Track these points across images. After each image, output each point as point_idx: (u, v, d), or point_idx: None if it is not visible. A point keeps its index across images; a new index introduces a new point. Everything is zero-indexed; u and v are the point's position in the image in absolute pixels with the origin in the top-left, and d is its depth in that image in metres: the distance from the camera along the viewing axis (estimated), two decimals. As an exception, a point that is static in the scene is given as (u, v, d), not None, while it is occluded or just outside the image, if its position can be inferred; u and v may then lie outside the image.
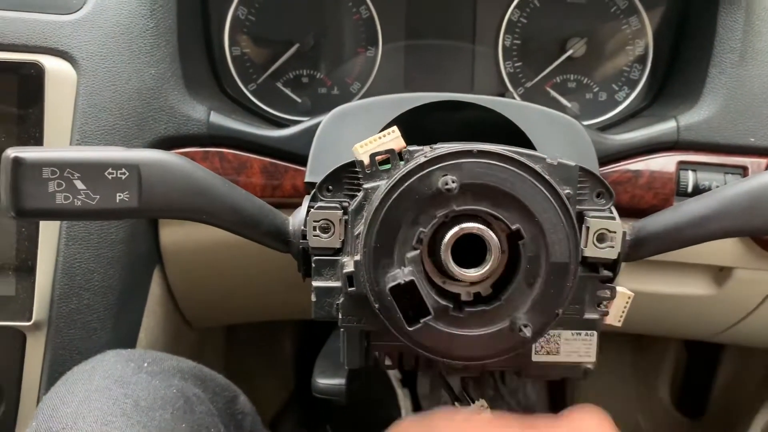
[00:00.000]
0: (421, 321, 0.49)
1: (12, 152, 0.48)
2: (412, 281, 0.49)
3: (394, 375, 1.35)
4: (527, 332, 0.50)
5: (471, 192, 0.50)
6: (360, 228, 0.53)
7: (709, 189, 0.77)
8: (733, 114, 0.79)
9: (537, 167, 0.51)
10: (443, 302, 0.51)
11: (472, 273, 0.50)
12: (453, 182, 0.49)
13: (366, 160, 0.54)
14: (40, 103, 0.74)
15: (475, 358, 0.53)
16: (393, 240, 0.51)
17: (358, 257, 0.52)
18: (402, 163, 0.53)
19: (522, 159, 0.51)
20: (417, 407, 1.39)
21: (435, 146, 0.53)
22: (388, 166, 0.54)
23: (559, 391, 1.49)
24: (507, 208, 0.51)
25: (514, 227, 0.50)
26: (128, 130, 0.75)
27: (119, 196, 0.50)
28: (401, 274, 0.50)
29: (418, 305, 0.49)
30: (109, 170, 0.50)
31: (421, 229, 0.51)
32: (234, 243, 0.64)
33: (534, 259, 0.51)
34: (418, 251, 0.51)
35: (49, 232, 0.75)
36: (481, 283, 0.53)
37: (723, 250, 0.84)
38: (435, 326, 0.51)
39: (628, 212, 0.78)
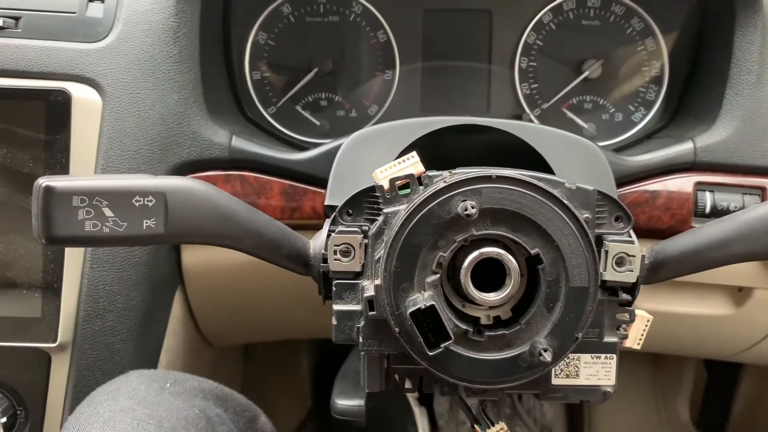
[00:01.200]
0: (442, 345, 0.50)
1: (43, 181, 0.50)
2: (432, 306, 0.50)
3: (411, 394, 1.35)
4: (547, 356, 0.50)
5: (490, 216, 0.51)
6: (380, 252, 0.53)
7: (728, 210, 0.77)
8: (750, 135, 0.79)
9: (555, 192, 0.51)
10: (463, 326, 0.52)
11: (492, 297, 0.51)
12: (472, 208, 0.50)
13: (386, 185, 0.55)
14: (67, 129, 0.75)
15: (495, 382, 0.53)
16: (413, 264, 0.51)
17: (378, 281, 0.52)
18: (421, 188, 0.54)
19: (541, 184, 0.51)
20: (434, 426, 1.39)
21: (454, 171, 0.54)
22: (407, 191, 0.55)
23: (577, 409, 1.48)
24: (526, 233, 0.51)
25: (533, 252, 0.51)
26: (152, 155, 0.77)
27: (146, 222, 0.51)
28: (421, 299, 0.50)
29: (438, 330, 0.50)
30: (137, 198, 0.51)
31: (440, 253, 0.51)
32: (254, 265, 0.65)
33: (553, 284, 0.52)
34: (437, 275, 0.51)
35: (74, 255, 0.76)
36: (500, 307, 0.53)
37: (742, 271, 0.83)
38: (455, 350, 0.52)
39: (645, 233, 0.78)
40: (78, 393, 0.77)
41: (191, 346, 0.94)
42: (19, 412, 0.78)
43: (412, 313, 0.50)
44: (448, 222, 0.51)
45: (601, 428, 1.45)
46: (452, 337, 0.50)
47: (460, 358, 0.52)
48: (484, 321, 0.54)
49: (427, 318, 0.50)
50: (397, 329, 0.51)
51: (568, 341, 0.52)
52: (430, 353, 0.50)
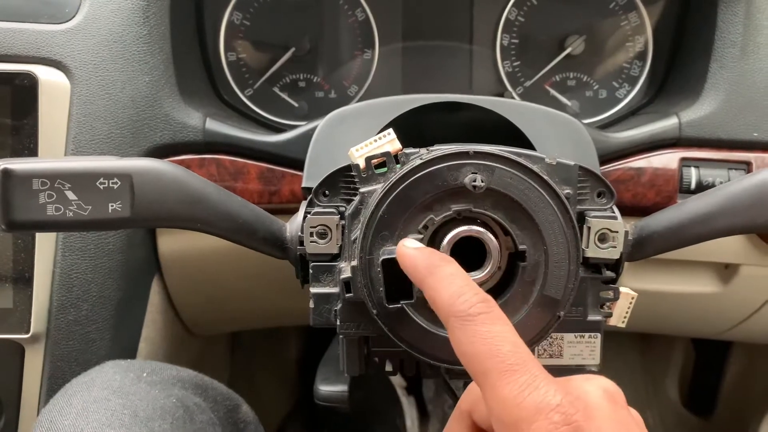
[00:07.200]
0: (401, 302, 0.49)
1: (1, 164, 0.48)
2: None
3: (398, 383, 1.34)
4: None
5: (491, 199, 0.50)
6: (356, 233, 0.52)
7: (713, 185, 0.76)
8: (735, 109, 0.77)
9: (535, 167, 0.50)
10: None
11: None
12: (482, 182, 0.49)
13: (362, 164, 0.53)
14: (34, 113, 0.73)
15: (443, 360, 0.52)
16: (400, 217, 0.50)
17: (354, 262, 0.51)
18: (398, 166, 0.52)
19: (520, 160, 0.50)
20: (423, 412, 1.38)
21: (431, 148, 0.53)
22: (384, 170, 0.53)
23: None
24: (521, 227, 0.50)
25: (521, 248, 0.50)
26: (123, 139, 0.74)
27: (111, 206, 0.49)
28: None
29: (402, 287, 0.49)
30: (101, 180, 0.49)
31: (432, 216, 0.50)
32: (233, 250, 0.64)
33: (527, 286, 0.50)
34: (421, 236, 0.50)
35: (45, 243, 0.74)
36: None
37: (728, 247, 0.82)
38: (411, 314, 0.50)
39: (631, 211, 0.77)
40: (53, 384, 0.75)
41: (172, 335, 0.93)
42: (-7, 406, 0.76)
43: (384, 261, 0.49)
44: (450, 190, 0.50)
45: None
46: (414, 297, 0.49)
47: (413, 323, 0.51)
48: None
49: (395, 272, 0.49)
50: (361, 277, 0.50)
51: None
52: (389, 305, 0.49)
